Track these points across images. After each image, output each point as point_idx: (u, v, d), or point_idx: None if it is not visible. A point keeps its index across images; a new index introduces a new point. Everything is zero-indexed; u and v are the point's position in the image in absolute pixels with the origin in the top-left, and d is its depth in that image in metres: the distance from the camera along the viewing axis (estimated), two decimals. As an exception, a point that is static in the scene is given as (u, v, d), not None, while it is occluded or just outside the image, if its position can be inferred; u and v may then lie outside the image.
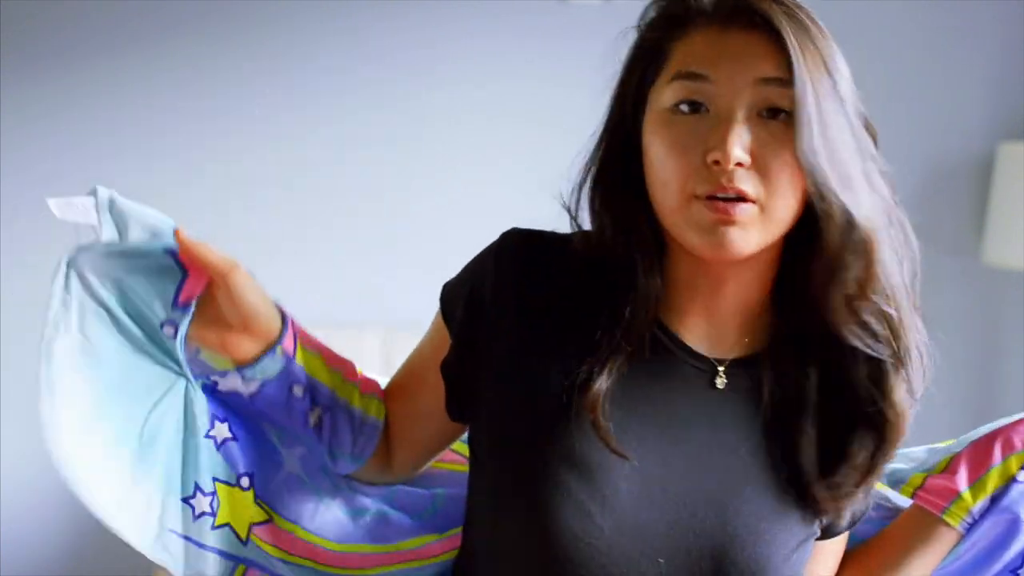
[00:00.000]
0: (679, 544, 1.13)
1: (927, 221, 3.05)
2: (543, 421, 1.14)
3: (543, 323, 1.17)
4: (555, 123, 2.53)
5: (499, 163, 2.75)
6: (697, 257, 1.13)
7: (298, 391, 1.20)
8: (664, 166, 1.10)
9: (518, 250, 1.20)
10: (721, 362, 1.18)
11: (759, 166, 1.07)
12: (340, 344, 1.30)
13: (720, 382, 1.17)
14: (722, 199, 1.07)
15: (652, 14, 1.15)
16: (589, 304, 1.16)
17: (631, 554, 1.12)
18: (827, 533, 1.22)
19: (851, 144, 1.09)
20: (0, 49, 2.63)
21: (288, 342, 1.18)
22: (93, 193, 1.14)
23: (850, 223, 1.08)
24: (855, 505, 1.18)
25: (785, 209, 1.09)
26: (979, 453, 1.28)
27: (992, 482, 1.25)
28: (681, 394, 1.16)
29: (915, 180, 2.85)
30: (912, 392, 1.16)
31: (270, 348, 1.18)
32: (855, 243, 1.09)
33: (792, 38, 1.06)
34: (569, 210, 1.19)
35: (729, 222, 1.07)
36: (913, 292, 1.15)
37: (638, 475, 1.13)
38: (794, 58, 1.06)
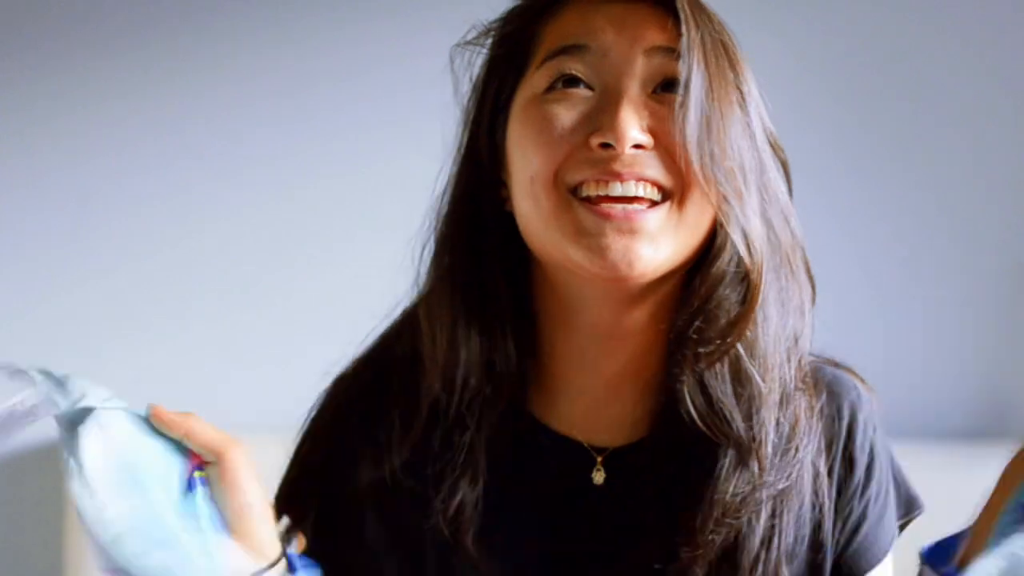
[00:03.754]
0: None
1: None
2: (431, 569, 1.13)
3: (401, 479, 1.14)
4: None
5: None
6: (575, 305, 1.09)
7: None
8: (530, 153, 1.04)
9: (343, 427, 1.18)
10: (601, 451, 1.12)
11: (663, 145, 1.02)
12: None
13: (598, 477, 1.12)
14: (618, 199, 1.00)
15: (513, 9, 1.12)
16: (439, 433, 1.11)
17: None
18: None
19: (746, 148, 1.04)
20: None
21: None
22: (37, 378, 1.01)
23: (735, 242, 1.04)
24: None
25: (702, 207, 1.03)
26: None
27: None
28: (561, 495, 1.12)
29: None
30: (758, 482, 1.08)
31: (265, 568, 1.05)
32: (737, 272, 1.05)
33: (685, 8, 1.02)
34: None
35: (631, 231, 1.01)
36: (795, 368, 1.10)
37: None
38: (685, 28, 1.02)
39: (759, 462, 1.07)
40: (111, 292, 2.52)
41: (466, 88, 1.14)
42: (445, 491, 1.10)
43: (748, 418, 1.07)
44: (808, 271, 1.11)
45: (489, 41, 1.12)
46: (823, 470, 1.12)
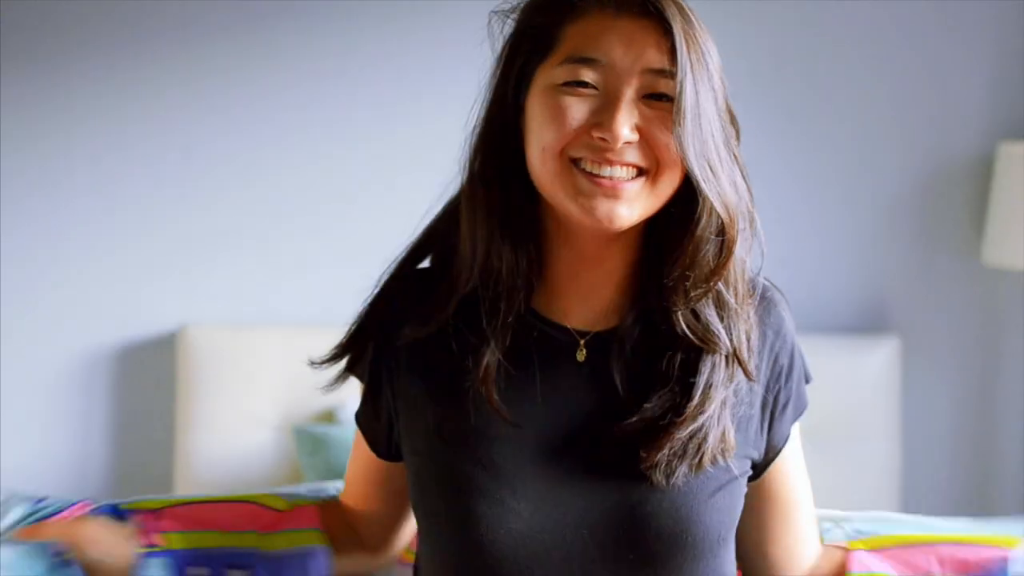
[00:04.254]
0: (597, 511, 1.16)
1: (927, 221, 3.09)
2: (444, 432, 1.19)
3: (436, 347, 1.21)
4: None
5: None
6: (570, 232, 1.18)
7: (197, 571, 1.25)
8: (545, 131, 1.13)
9: (398, 293, 1.26)
10: (584, 335, 1.21)
11: (646, 140, 1.12)
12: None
13: (581, 355, 1.21)
14: (607, 177, 1.12)
15: (538, 3, 1.18)
16: (468, 315, 1.20)
17: (554, 532, 1.16)
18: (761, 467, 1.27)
19: (720, 138, 1.14)
20: (0, 50, 2.64)
21: (148, 541, 1.24)
22: None
23: (716, 211, 1.13)
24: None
25: (669, 183, 1.15)
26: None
27: None
28: (556, 369, 1.20)
29: (915, 180, 2.87)
30: (732, 377, 1.19)
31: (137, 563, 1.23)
32: (716, 231, 1.15)
33: (680, 33, 1.10)
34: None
35: (615, 196, 1.12)
36: (746, 284, 1.21)
37: (541, 455, 1.18)
38: (679, 53, 1.10)
39: (740, 363, 1.18)
40: (216, 221, 2.72)
41: (497, 47, 1.21)
42: (476, 357, 1.19)
43: (728, 331, 1.18)
44: (751, 210, 1.19)
45: (518, 17, 1.19)
46: (762, 358, 1.23)
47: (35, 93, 2.66)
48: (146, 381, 2.73)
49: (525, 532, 1.16)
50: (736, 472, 1.21)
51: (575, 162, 1.13)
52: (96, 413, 2.75)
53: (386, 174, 2.74)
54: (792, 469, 1.30)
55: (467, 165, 1.21)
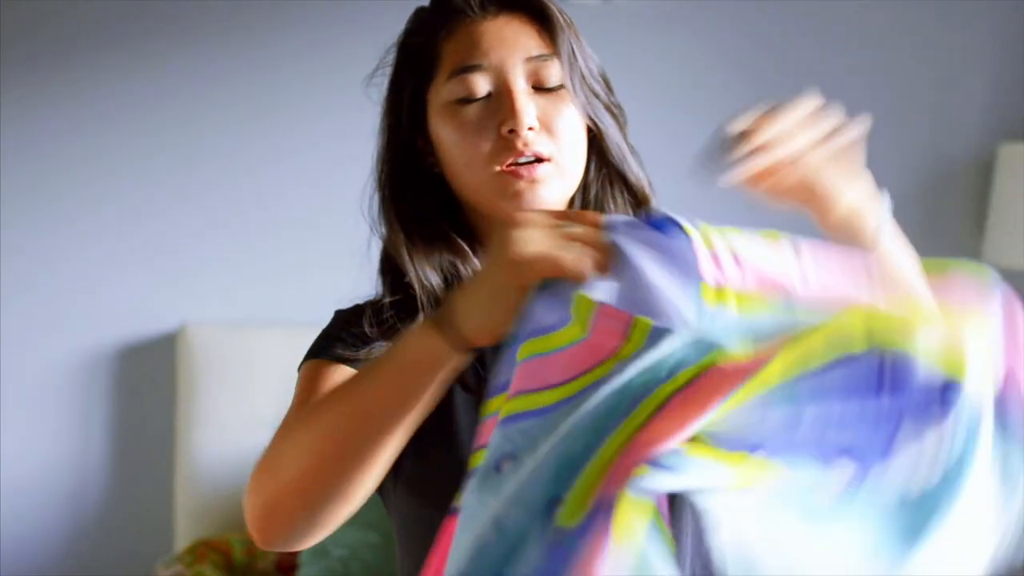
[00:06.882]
0: None
1: (927, 221, 3.10)
2: (427, 445, 1.16)
3: None
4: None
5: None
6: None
7: None
8: (463, 149, 1.19)
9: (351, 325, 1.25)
10: None
11: (546, 128, 1.19)
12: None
13: None
14: (522, 163, 1.17)
15: (412, 24, 1.25)
16: None
17: None
18: None
19: (604, 95, 1.24)
20: (0, 49, 2.66)
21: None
22: None
23: (611, 150, 1.23)
24: None
25: (576, 162, 1.22)
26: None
27: None
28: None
29: (915, 180, 2.88)
30: None
31: None
32: (623, 161, 1.25)
33: (556, 16, 1.21)
34: (373, 228, 1.26)
35: (532, 182, 1.17)
36: None
37: None
38: (559, 28, 1.21)
39: None
40: (216, 221, 2.77)
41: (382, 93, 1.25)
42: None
43: None
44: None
45: (397, 49, 1.26)
46: None
47: (35, 94, 2.68)
48: (146, 381, 2.76)
49: None
50: None
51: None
52: (96, 413, 2.76)
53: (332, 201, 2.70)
54: None
55: (380, 201, 1.24)
